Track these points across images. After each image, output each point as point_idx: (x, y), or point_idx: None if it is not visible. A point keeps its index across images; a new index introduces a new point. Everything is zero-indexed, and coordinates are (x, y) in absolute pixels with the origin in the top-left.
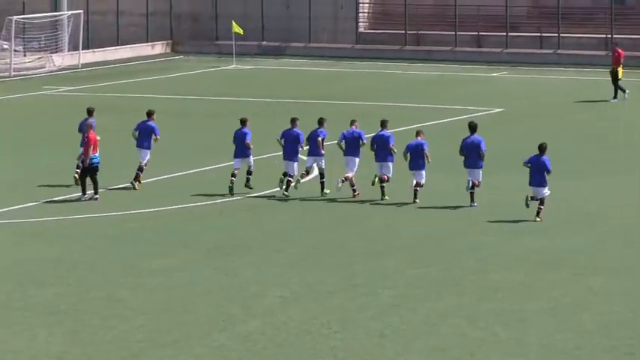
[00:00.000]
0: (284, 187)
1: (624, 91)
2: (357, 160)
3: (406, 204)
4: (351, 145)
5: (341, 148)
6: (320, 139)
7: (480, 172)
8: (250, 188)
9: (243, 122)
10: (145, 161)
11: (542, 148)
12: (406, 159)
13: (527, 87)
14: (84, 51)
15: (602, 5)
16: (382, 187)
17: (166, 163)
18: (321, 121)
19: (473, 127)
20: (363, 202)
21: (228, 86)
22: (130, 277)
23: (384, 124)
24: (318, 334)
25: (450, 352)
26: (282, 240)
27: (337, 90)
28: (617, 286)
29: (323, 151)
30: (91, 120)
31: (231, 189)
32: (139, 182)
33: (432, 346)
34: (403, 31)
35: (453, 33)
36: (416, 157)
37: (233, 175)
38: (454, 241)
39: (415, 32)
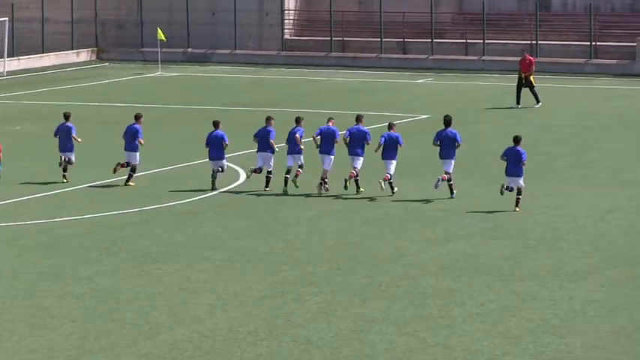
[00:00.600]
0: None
1: (538, 101)
2: (332, 157)
3: (334, 210)
4: (327, 141)
5: (316, 143)
6: (298, 135)
7: (453, 162)
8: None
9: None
10: (136, 162)
11: (517, 140)
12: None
13: (452, 93)
14: (9, 59)
15: (527, 11)
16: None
17: (92, 171)
18: (298, 120)
19: (448, 121)
20: (291, 208)
21: (153, 93)
22: (56, 285)
23: (358, 119)
24: (245, 342)
25: (377, 359)
26: (209, 247)
27: (263, 97)
28: (543, 292)
29: (302, 147)
30: (68, 124)
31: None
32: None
33: (360, 353)
34: (328, 38)
35: (379, 39)
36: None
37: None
38: (381, 248)
39: (340, 39)
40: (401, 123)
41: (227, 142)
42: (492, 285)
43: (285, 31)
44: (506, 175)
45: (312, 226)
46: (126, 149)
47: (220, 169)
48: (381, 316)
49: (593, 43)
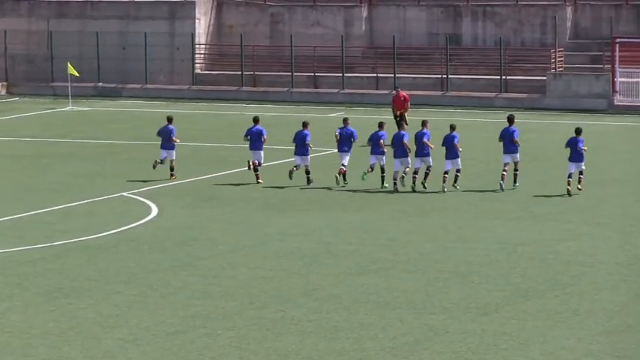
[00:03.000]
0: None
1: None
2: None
3: (246, 245)
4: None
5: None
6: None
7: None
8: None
9: (304, 125)
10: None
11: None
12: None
13: (363, 127)
14: None
15: (437, 45)
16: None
17: (1, 207)
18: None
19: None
20: (203, 242)
21: (64, 128)
22: None
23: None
24: None
25: None
26: (121, 281)
27: None
28: (455, 325)
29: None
30: (170, 127)
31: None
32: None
33: None
34: (239, 72)
35: (290, 74)
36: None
37: (296, 167)
38: (293, 282)
39: (252, 73)
40: (312, 157)
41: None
42: (404, 318)
43: (196, 65)
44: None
45: (224, 260)
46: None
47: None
48: (294, 351)
49: (504, 77)
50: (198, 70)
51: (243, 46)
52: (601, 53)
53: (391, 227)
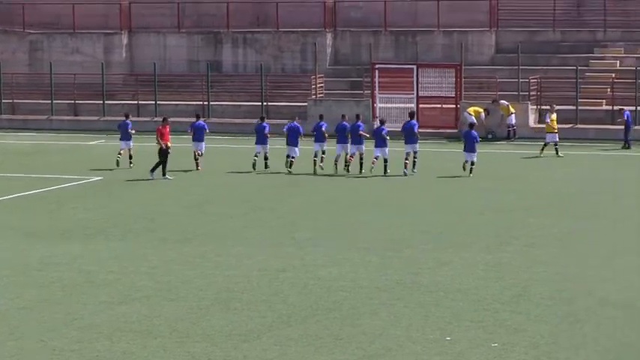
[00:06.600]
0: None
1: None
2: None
3: (4, 275)
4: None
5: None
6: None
7: (417, 145)
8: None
9: (262, 119)
10: (202, 150)
11: (471, 125)
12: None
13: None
14: None
15: (198, 72)
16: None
17: None
18: (321, 116)
19: (411, 114)
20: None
21: None
22: None
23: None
24: None
25: None
26: None
27: None
28: (218, 353)
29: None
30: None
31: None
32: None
33: None
34: None
35: (49, 101)
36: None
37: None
38: (55, 311)
39: (10, 101)
40: (72, 185)
41: (267, 132)
42: (167, 346)
43: None
44: (464, 151)
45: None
46: (194, 140)
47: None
48: None
49: (265, 104)
50: None
51: (2, 74)
52: (361, 79)
53: (152, 255)
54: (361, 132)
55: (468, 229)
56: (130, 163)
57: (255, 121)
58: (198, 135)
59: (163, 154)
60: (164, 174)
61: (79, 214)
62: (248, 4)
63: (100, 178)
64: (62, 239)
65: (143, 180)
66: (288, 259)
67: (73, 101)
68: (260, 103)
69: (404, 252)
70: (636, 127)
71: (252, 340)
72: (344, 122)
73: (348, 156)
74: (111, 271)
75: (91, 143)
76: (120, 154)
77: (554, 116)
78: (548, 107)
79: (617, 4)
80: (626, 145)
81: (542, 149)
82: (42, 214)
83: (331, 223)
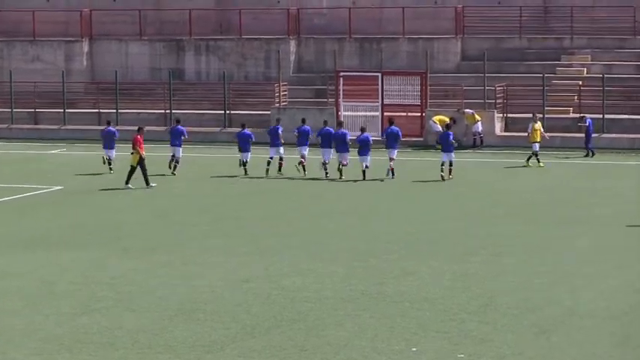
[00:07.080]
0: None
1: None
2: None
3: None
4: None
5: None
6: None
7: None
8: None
9: (243, 126)
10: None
11: (391, 121)
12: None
13: (85, 163)
14: None
15: (160, 80)
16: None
17: None
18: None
19: (391, 121)
20: None
21: None
22: None
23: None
24: None
25: None
26: None
27: None
28: None
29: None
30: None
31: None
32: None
33: None
34: None
35: (9, 110)
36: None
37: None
38: (14, 322)
39: None
40: (33, 195)
41: (253, 139)
42: (129, 358)
43: None
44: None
45: None
46: (172, 144)
47: (245, 159)
48: None
49: (228, 112)
50: None
51: None
52: (325, 87)
53: (114, 265)
54: (349, 140)
55: (435, 238)
56: (110, 169)
57: (218, 129)
58: (175, 140)
59: (141, 163)
60: (147, 183)
61: (39, 223)
62: (211, 11)
63: (60, 187)
64: (23, 249)
65: (107, 190)
66: (252, 269)
67: (33, 110)
68: (223, 112)
69: (369, 262)
70: (604, 135)
71: (215, 351)
72: (327, 127)
73: (341, 165)
74: (72, 282)
75: (52, 152)
76: (109, 163)
77: (537, 125)
78: (530, 116)
79: (584, 11)
80: (589, 153)
81: (528, 159)
82: (2, 223)
83: (297, 232)
